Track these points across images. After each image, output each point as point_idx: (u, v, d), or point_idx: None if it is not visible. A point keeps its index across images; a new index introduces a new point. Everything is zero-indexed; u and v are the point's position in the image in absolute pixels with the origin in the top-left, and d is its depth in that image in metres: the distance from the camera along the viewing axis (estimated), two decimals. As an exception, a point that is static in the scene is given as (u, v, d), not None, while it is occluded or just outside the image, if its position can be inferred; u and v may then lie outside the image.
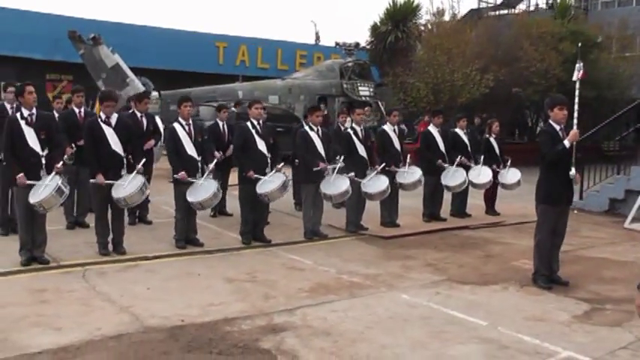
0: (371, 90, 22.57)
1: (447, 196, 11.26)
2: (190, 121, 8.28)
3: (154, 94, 20.51)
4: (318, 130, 9.25)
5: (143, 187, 7.60)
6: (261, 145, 8.61)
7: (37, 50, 24.53)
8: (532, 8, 32.05)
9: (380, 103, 21.72)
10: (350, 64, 23.43)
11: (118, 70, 20.55)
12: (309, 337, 5.17)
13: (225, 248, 8.39)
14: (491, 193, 11.67)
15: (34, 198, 6.73)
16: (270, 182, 8.53)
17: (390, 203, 10.14)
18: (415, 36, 20.82)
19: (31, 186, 6.78)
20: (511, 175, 11.31)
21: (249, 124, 8.69)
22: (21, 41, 24.17)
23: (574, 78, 7.66)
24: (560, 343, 5.32)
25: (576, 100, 7.24)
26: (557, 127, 7.05)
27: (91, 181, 7.48)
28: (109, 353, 4.66)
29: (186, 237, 8.33)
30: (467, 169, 10.95)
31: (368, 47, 22.77)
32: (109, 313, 5.60)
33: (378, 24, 22.06)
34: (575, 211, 12.85)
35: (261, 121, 8.82)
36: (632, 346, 5.36)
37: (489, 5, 34.87)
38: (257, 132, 8.64)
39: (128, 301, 5.90)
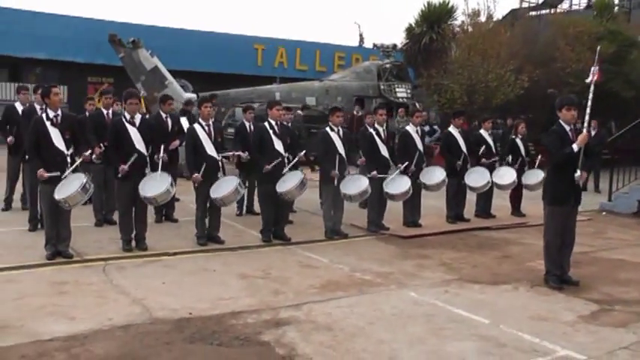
0: (408, 91, 22.63)
1: (472, 197, 11.30)
2: (210, 122, 8.53)
3: (193, 95, 20.93)
4: (338, 130, 9.40)
5: (170, 187, 7.89)
6: (278, 145, 8.81)
7: (80, 54, 25.37)
8: (574, 7, 31.61)
9: (417, 104, 21.77)
10: (387, 66, 23.54)
11: (157, 73, 21.02)
12: (310, 331, 5.34)
13: (245, 246, 8.61)
14: (516, 194, 11.65)
15: (59, 194, 7.05)
16: (288, 181, 8.72)
17: (412, 203, 10.23)
18: (449, 37, 20.75)
19: (55, 183, 7.10)
20: (534, 175, 11.23)
21: (266, 124, 8.91)
22: (64, 45, 25.06)
23: (587, 80, 7.62)
24: (560, 342, 5.36)
25: (589, 103, 7.19)
26: (567, 128, 7.07)
27: (122, 167, 7.71)
28: (115, 342, 4.91)
29: (208, 234, 8.59)
30: (491, 169, 10.98)
31: (404, 48, 22.78)
32: (122, 304, 5.87)
33: (413, 25, 22.05)
34: (604, 213, 12.78)
35: (286, 123, 9.04)
36: (633, 347, 5.36)
37: (531, 5, 34.58)
38: (274, 132, 8.85)
39: (142, 294, 6.16)
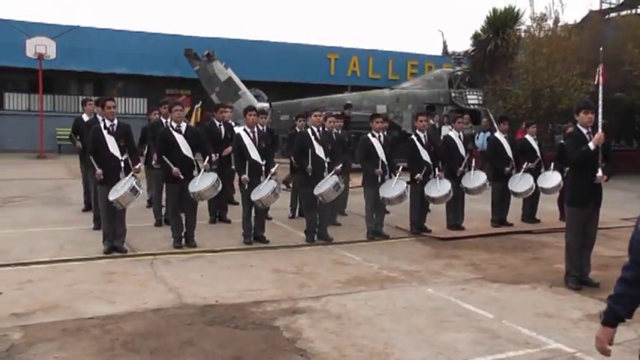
0: (480, 98, 22.74)
1: (519, 201, 11.50)
2: (256, 129, 9.22)
3: (265, 105, 21.86)
4: (379, 136, 9.90)
5: (216, 184, 8.62)
6: (319, 151, 9.39)
7: (158, 68, 26.93)
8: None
9: (489, 111, 21.83)
10: (459, 73, 23.74)
11: (231, 84, 22.14)
12: (320, 319, 5.88)
13: (288, 245, 9.24)
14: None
15: (112, 196, 7.91)
16: (323, 184, 9.29)
17: (455, 207, 10.60)
18: (513, 43, 20.77)
19: (110, 185, 7.97)
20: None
21: (309, 130, 9.52)
22: (143, 60, 26.70)
23: (595, 82, 7.81)
24: (556, 336, 5.65)
25: (600, 103, 7.41)
26: (585, 131, 7.29)
27: (174, 170, 8.49)
28: (144, 322, 5.63)
29: (254, 234, 9.26)
30: (536, 174, 11.12)
31: (471, 55, 22.94)
32: (159, 292, 6.61)
33: (480, 32, 22.18)
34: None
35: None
36: (626, 343, 5.54)
37: (612, 6, 33.72)
38: (316, 138, 9.44)
39: (179, 284, 6.89)
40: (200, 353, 4.94)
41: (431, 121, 16.55)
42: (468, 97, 23.13)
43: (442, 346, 5.29)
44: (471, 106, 22.40)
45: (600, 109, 7.36)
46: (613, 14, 29.18)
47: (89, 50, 26.07)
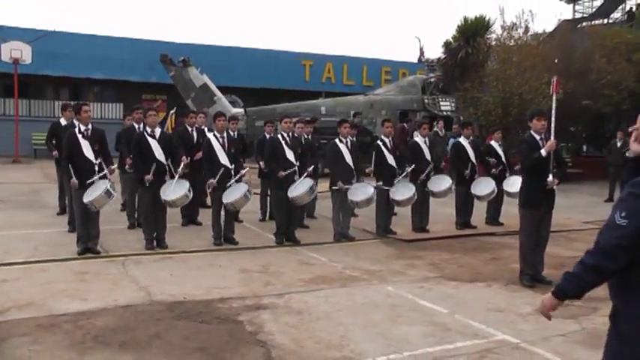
0: (453, 105, 23.19)
1: (484, 205, 11.92)
2: (225, 134, 9.56)
3: (240, 110, 22.16)
4: (347, 141, 10.27)
5: (188, 193, 8.95)
6: (290, 155, 9.75)
7: (135, 73, 27.18)
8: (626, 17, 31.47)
9: (461, 117, 22.30)
10: (432, 80, 24.21)
11: (206, 90, 22.41)
12: (282, 315, 6.22)
13: (256, 246, 9.57)
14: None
15: (86, 198, 8.20)
16: (298, 187, 9.64)
17: (420, 210, 10.99)
18: (484, 51, 21.29)
19: (85, 188, 8.25)
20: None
21: (279, 136, 9.87)
22: (120, 66, 26.91)
23: (551, 92, 8.23)
24: (503, 329, 6.03)
25: (553, 112, 7.83)
26: (537, 137, 7.72)
27: (147, 177, 8.78)
28: (114, 317, 5.94)
29: (224, 236, 9.58)
30: (501, 179, 11.55)
31: (442, 62, 23.44)
32: (130, 290, 6.91)
33: (451, 40, 22.69)
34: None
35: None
36: (570, 335, 5.98)
37: (585, 15, 34.47)
38: (286, 143, 9.80)
39: (149, 283, 7.20)
40: (166, 345, 5.26)
41: (435, 129, 17.05)
42: (441, 103, 23.64)
43: (394, 339, 5.64)
44: (444, 113, 22.87)
45: (553, 118, 7.76)
46: (585, 23, 29.92)
47: (65, 55, 26.22)
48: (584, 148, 27.48)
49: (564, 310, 6.67)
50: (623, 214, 2.76)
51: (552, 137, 7.70)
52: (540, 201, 7.71)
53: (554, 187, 7.76)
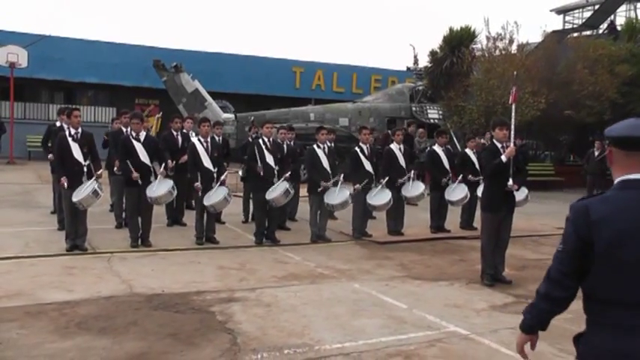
0: (440, 113, 23.67)
1: (459, 210, 12.46)
2: (209, 139, 10.10)
3: (230, 116, 22.63)
4: (324, 147, 10.82)
5: (172, 190, 9.50)
6: (270, 159, 10.29)
7: (128, 78, 27.71)
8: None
9: (449, 126, 22.78)
10: (420, 88, 24.67)
11: (197, 95, 22.89)
12: (252, 307, 6.74)
13: (236, 245, 10.10)
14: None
15: (75, 197, 8.73)
16: (275, 190, 10.18)
17: (395, 214, 11.52)
18: (468, 61, 21.85)
19: (74, 188, 8.79)
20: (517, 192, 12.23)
21: (260, 141, 10.42)
22: (114, 70, 27.46)
23: (510, 102, 8.78)
24: (456, 322, 6.54)
25: (512, 120, 8.36)
26: (499, 145, 8.24)
27: (133, 175, 9.30)
28: (97, 307, 6.47)
29: (205, 235, 10.10)
30: (476, 186, 12.03)
31: (428, 71, 23.98)
32: (113, 283, 7.44)
33: (437, 50, 23.25)
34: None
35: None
36: (518, 328, 6.47)
37: (574, 26, 35.03)
38: (267, 147, 10.34)
39: (131, 277, 7.73)
40: (142, 331, 5.79)
41: (482, 140, 17.52)
42: (429, 111, 24.10)
43: (352, 329, 6.15)
44: (432, 121, 23.34)
45: (513, 125, 8.29)
46: (576, 34, 30.40)
47: (60, 59, 26.73)
48: (571, 157, 28.09)
49: (518, 306, 7.23)
50: (561, 240, 2.77)
51: (512, 143, 8.23)
52: (500, 205, 8.19)
53: (514, 190, 8.27)
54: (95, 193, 8.80)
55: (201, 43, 73.86)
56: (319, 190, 10.52)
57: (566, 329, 6.20)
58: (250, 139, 12.02)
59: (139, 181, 9.29)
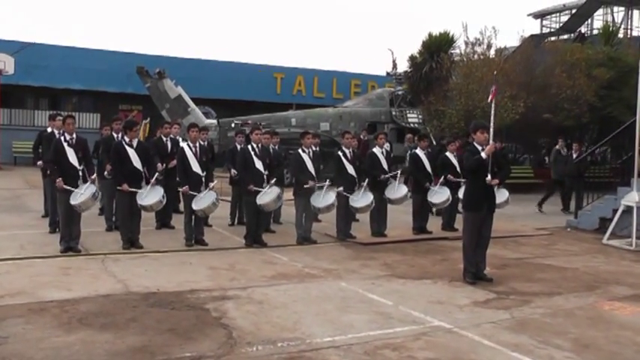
0: (420, 117, 24.04)
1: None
2: (197, 144, 10.39)
3: (213, 121, 22.85)
4: (309, 152, 11.15)
5: (162, 199, 9.77)
6: (259, 165, 10.60)
7: (112, 84, 27.97)
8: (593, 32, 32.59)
9: (429, 130, 23.15)
10: (400, 93, 25.02)
11: (180, 101, 23.10)
12: (244, 304, 7.05)
13: (225, 247, 10.40)
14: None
15: (74, 200, 9.02)
16: (266, 195, 10.47)
17: (378, 216, 11.86)
18: (447, 66, 22.28)
19: (70, 191, 9.05)
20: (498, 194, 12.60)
21: (249, 146, 10.73)
22: (98, 77, 27.68)
23: (489, 99, 9.12)
24: (440, 317, 6.86)
25: (492, 119, 8.71)
26: (479, 148, 8.54)
27: (118, 188, 9.66)
28: (96, 304, 6.76)
29: (195, 238, 10.37)
30: (457, 188, 12.38)
31: (408, 76, 24.38)
32: (109, 283, 7.73)
33: (416, 55, 23.66)
34: (569, 229, 14.04)
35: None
36: (499, 322, 6.74)
37: (552, 30, 35.64)
38: (255, 153, 10.64)
39: (126, 277, 8.01)
40: (141, 327, 6.07)
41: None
42: (409, 115, 24.48)
43: (341, 324, 6.48)
44: (411, 125, 23.71)
45: (492, 123, 8.65)
46: (554, 38, 30.93)
47: (45, 66, 26.89)
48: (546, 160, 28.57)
49: (499, 302, 7.62)
50: None
51: (491, 140, 8.57)
52: (482, 203, 8.51)
53: (495, 187, 8.60)
54: (94, 196, 9.17)
55: (184, 50, 74.05)
56: (306, 186, 10.81)
57: (545, 323, 6.67)
58: (238, 146, 12.27)
59: (131, 190, 9.56)
